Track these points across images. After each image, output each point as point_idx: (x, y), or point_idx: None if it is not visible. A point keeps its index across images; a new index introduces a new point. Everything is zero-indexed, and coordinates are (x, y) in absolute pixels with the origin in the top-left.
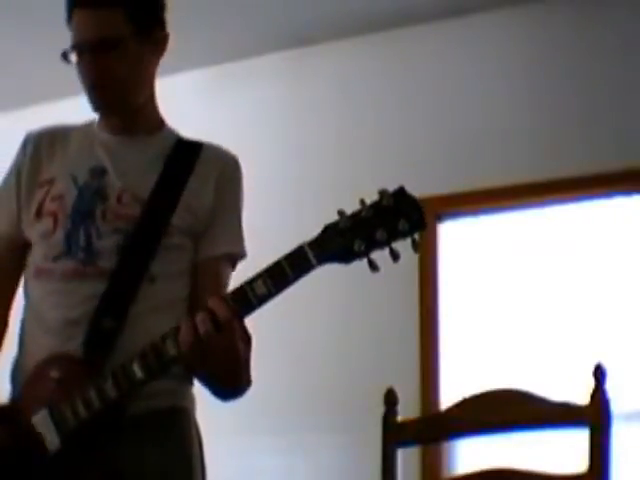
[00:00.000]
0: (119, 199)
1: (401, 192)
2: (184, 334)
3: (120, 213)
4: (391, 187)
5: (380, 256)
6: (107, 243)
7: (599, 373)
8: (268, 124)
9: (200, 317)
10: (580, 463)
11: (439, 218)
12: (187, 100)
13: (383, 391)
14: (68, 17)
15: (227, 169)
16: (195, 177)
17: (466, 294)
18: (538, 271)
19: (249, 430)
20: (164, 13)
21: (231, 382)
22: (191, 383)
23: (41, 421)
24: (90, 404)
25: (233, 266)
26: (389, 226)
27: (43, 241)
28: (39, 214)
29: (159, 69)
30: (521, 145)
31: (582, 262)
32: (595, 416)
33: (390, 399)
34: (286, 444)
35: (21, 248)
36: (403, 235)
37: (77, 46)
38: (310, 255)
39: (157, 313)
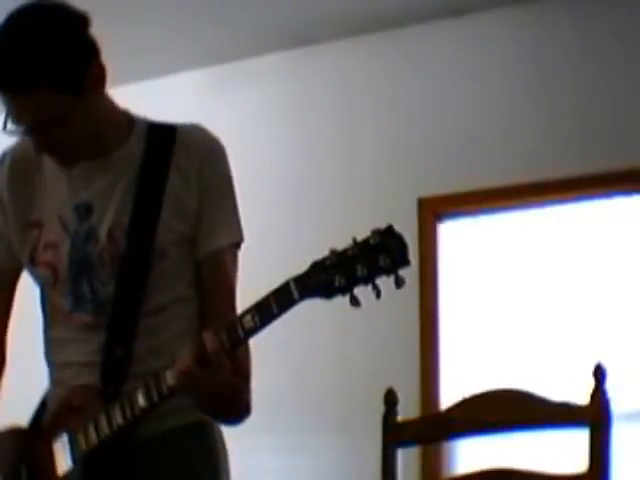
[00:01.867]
0: (110, 237)
1: (389, 229)
2: (177, 366)
3: (114, 253)
4: (392, 186)
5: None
6: (111, 289)
7: (599, 373)
8: (268, 124)
9: (184, 354)
10: (580, 463)
11: (439, 218)
12: (187, 100)
13: (383, 391)
14: None
15: (208, 153)
16: (175, 172)
17: (466, 294)
18: (538, 271)
19: (249, 430)
20: (91, 51)
21: (227, 413)
22: None
23: (60, 446)
24: (100, 430)
25: (237, 248)
26: (370, 262)
27: (51, 289)
28: (34, 261)
29: (159, 69)
30: (521, 145)
31: (582, 262)
32: (595, 416)
33: (390, 399)
34: (287, 444)
35: (14, 276)
36: (385, 271)
37: (16, 124)
38: (294, 291)
39: (171, 341)
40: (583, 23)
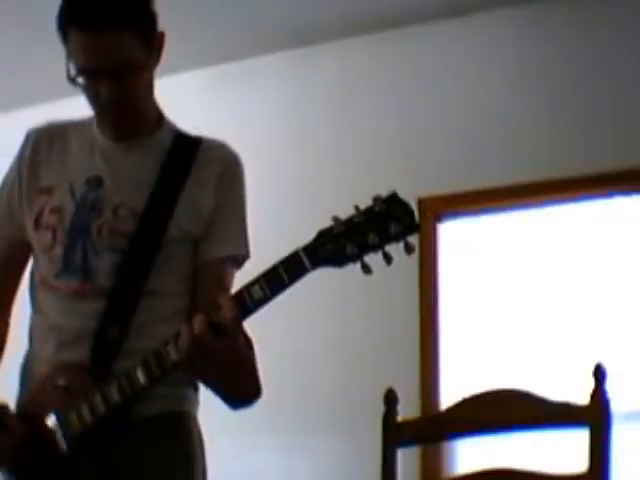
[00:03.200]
0: (115, 213)
1: (393, 197)
2: (183, 337)
3: (115, 228)
4: (391, 186)
5: (378, 258)
6: (103, 261)
7: (599, 373)
8: (268, 124)
9: (197, 319)
10: (580, 463)
11: (439, 218)
12: (187, 100)
13: (383, 391)
14: (65, 35)
15: (228, 168)
16: (193, 180)
17: (466, 294)
18: (538, 271)
19: (250, 430)
20: (156, 19)
21: (237, 389)
22: (195, 388)
23: (51, 427)
24: (95, 409)
25: (238, 267)
26: (381, 230)
27: (44, 254)
28: (38, 224)
29: (159, 69)
30: (521, 145)
31: (582, 262)
32: (595, 416)
33: (390, 399)
34: (286, 444)
35: (24, 247)
36: (395, 238)
37: (90, 71)
38: (305, 260)
39: (161, 323)
40: (583, 23)
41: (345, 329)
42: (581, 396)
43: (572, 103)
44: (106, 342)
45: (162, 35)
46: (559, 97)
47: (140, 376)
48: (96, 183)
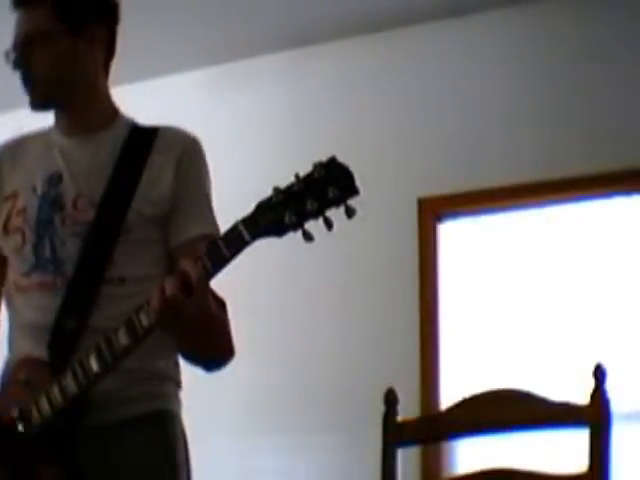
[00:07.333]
0: (75, 205)
1: (332, 162)
2: (154, 300)
3: (77, 219)
4: (392, 186)
5: (383, 256)
6: (69, 250)
7: (599, 373)
8: (268, 124)
9: (168, 280)
10: (580, 463)
11: (439, 218)
12: (187, 100)
13: (383, 391)
14: None
15: (185, 152)
16: (151, 166)
17: (466, 294)
18: (538, 271)
19: (250, 430)
20: (105, 10)
21: (211, 347)
22: (177, 385)
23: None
24: (53, 402)
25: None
26: (319, 195)
27: (16, 257)
28: (6, 230)
29: (159, 69)
30: (521, 145)
31: (582, 262)
32: (595, 416)
33: (390, 399)
34: (286, 444)
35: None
36: (334, 202)
37: (13, 45)
38: (244, 232)
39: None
40: (583, 23)
41: (345, 329)
42: (581, 396)
43: (572, 103)
44: (63, 334)
45: (105, 31)
46: (559, 97)
47: (93, 364)
48: (57, 179)
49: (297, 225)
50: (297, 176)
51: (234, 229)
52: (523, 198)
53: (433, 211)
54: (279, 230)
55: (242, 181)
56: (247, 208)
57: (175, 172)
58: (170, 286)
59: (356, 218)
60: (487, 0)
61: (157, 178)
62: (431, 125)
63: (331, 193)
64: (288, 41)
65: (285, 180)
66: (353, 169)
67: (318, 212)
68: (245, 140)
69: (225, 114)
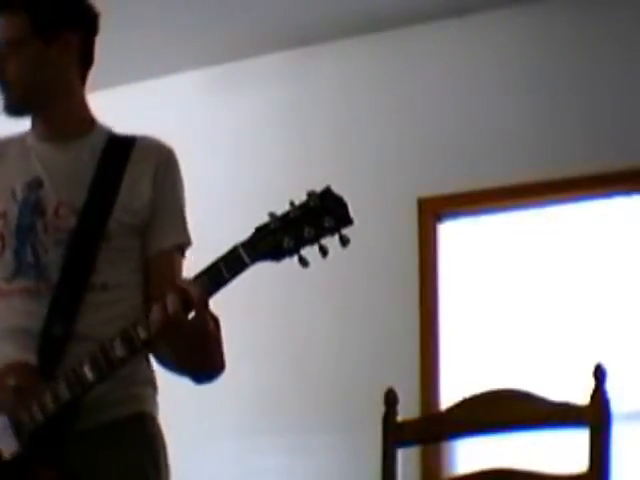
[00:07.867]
0: (56, 212)
1: (327, 192)
2: (154, 314)
3: (59, 226)
4: (392, 186)
5: (383, 256)
6: (52, 257)
7: (599, 373)
8: (268, 124)
9: (170, 297)
10: (580, 463)
11: (439, 218)
12: (187, 100)
13: (383, 391)
14: None
15: (162, 162)
16: (129, 175)
17: (466, 294)
18: (538, 271)
19: (249, 430)
20: (81, 19)
21: (205, 362)
22: (155, 389)
23: (1, 428)
24: (45, 408)
25: (183, 254)
26: (315, 224)
27: None
28: None
29: (159, 69)
30: (521, 145)
31: (582, 262)
32: (595, 416)
33: (390, 399)
34: (286, 444)
35: None
36: (330, 231)
37: None
38: (244, 255)
39: (116, 321)
40: (583, 23)
41: (345, 329)
42: (581, 396)
43: (572, 103)
44: (51, 340)
45: (79, 37)
46: (559, 97)
47: (87, 372)
48: (36, 185)
49: (294, 250)
50: (292, 203)
51: (233, 251)
52: (523, 198)
53: (433, 211)
54: (277, 254)
55: (242, 181)
56: (247, 207)
57: (152, 182)
58: (172, 302)
59: (356, 218)
60: (487, 0)
61: (136, 188)
62: (431, 125)
63: (327, 222)
64: (288, 41)
65: (285, 180)
66: (353, 169)
67: (315, 239)
68: (245, 140)
69: (225, 114)
